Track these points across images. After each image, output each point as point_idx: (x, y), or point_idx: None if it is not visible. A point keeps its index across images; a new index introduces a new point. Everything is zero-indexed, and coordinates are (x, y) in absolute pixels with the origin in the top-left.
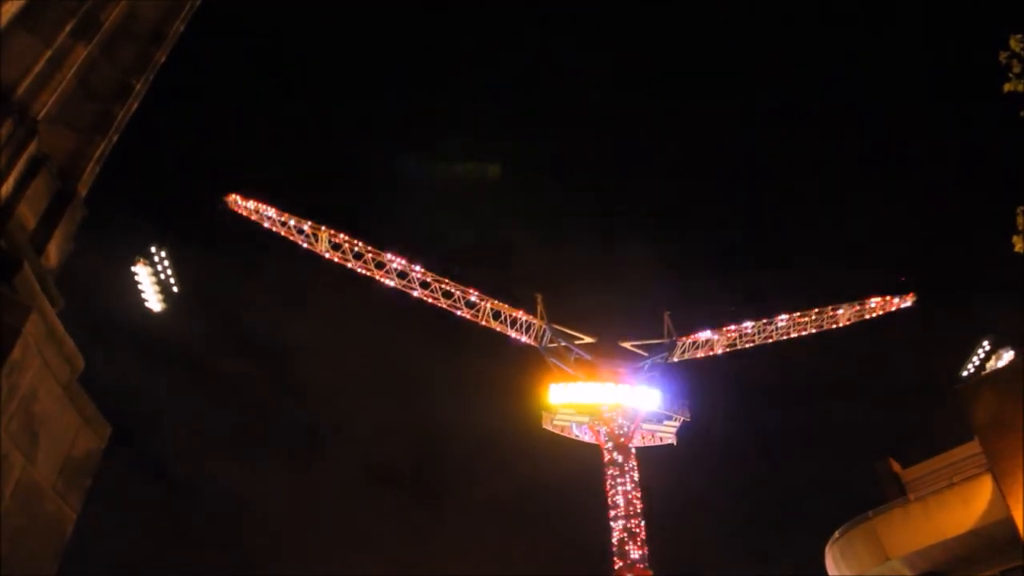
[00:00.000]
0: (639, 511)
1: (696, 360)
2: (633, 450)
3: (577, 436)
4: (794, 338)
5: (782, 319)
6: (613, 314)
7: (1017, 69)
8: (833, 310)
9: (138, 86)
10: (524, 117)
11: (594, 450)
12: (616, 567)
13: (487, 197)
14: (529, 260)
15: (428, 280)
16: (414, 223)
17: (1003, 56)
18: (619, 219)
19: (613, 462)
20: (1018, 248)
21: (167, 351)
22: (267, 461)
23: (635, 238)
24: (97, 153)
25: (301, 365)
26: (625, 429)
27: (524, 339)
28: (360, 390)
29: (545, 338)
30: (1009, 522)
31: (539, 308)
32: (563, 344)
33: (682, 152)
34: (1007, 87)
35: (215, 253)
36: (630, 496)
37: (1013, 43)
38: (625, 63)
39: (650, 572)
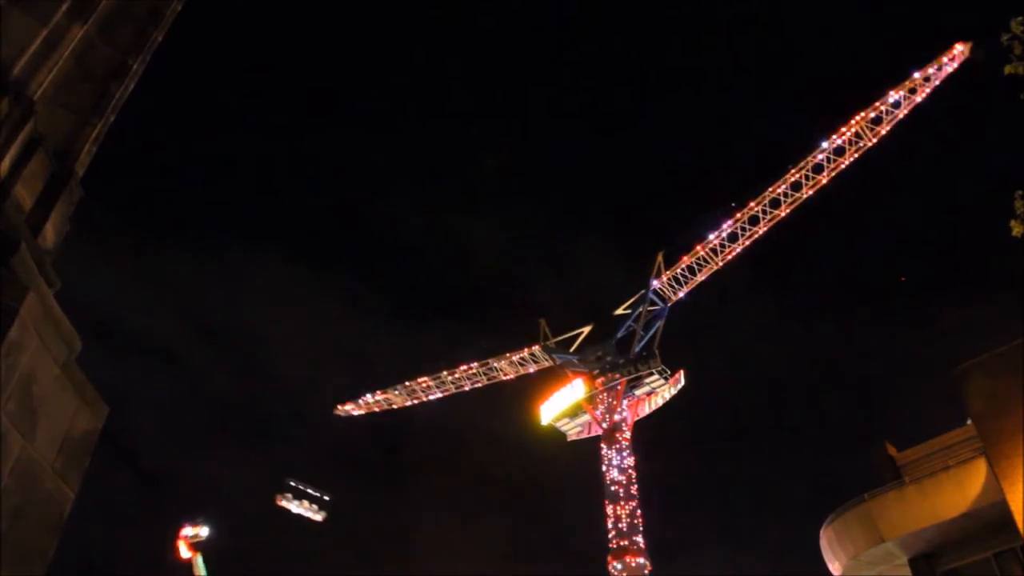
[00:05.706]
0: (635, 497)
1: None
2: (627, 435)
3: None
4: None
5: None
6: None
7: (1018, 51)
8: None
9: (135, 66)
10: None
11: (591, 441)
12: (612, 550)
13: None
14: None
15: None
16: None
17: (1004, 38)
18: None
19: (610, 441)
20: (1016, 232)
21: None
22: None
23: None
24: (94, 134)
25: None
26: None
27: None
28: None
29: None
30: (1003, 505)
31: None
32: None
33: None
34: (1007, 69)
35: None
36: (626, 483)
37: (1014, 26)
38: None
39: (647, 561)
